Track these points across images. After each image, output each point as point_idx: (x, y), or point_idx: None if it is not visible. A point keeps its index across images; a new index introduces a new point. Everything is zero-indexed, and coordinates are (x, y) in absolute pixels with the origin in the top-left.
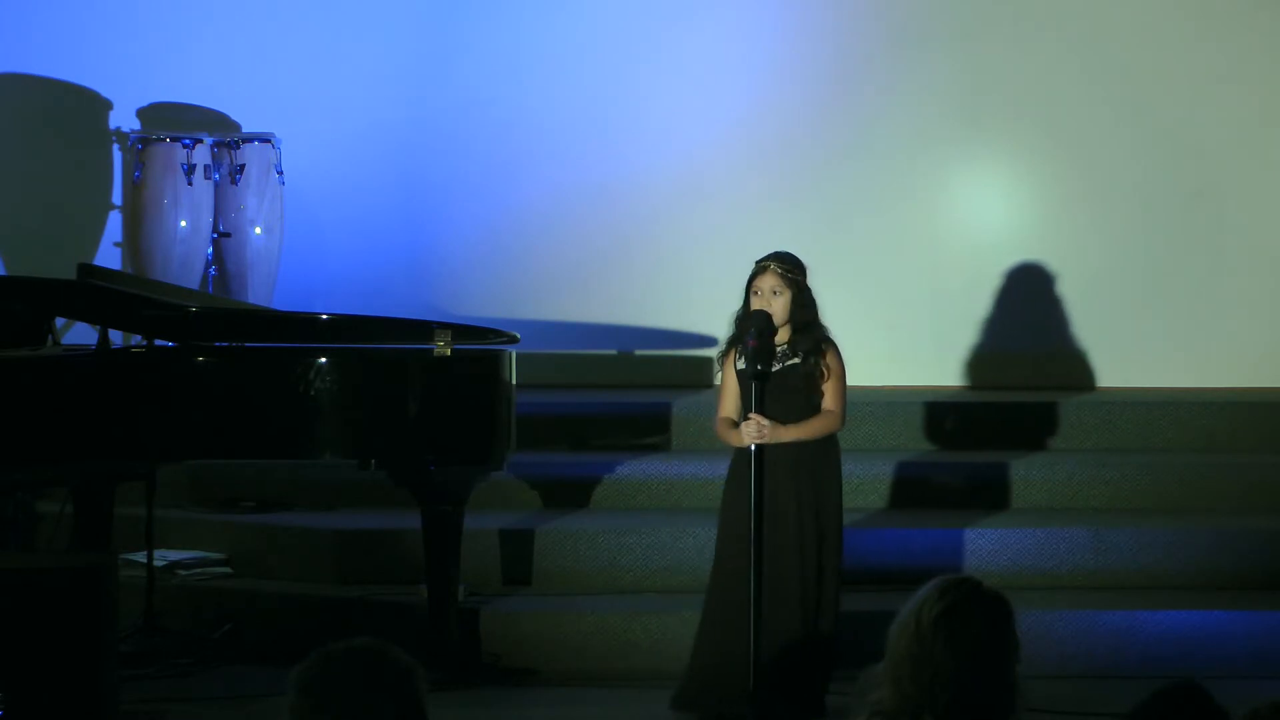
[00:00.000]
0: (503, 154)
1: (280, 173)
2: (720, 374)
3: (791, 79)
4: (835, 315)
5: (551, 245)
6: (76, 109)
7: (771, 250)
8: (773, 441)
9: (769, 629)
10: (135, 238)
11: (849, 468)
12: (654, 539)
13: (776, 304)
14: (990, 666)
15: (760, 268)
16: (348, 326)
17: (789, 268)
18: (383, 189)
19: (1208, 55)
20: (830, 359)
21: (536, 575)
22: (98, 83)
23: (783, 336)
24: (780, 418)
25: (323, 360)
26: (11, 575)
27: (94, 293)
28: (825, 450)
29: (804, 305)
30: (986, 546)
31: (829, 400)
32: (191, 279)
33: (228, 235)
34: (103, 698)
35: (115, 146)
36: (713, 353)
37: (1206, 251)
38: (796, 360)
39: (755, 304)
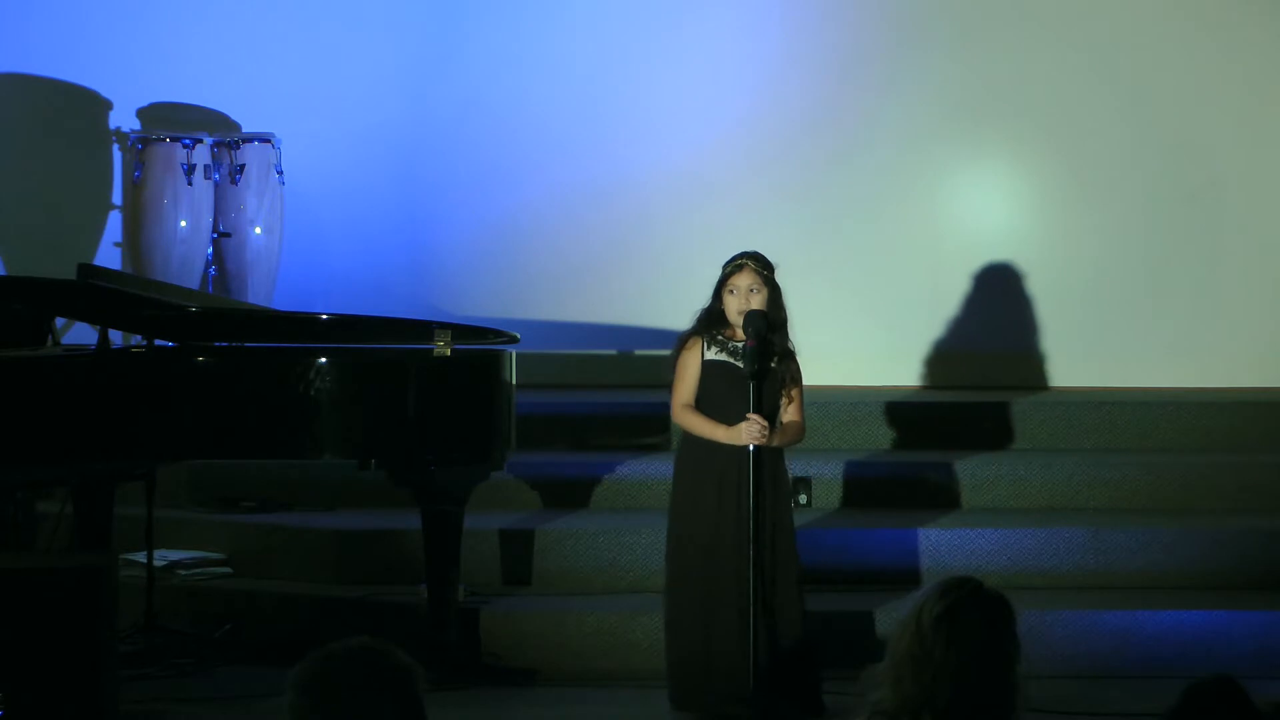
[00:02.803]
0: (503, 154)
1: (280, 173)
2: (679, 361)
3: (792, 78)
4: (835, 315)
5: (551, 245)
6: (76, 109)
7: (743, 250)
8: (764, 445)
9: (725, 629)
10: (135, 238)
11: (848, 467)
12: (654, 539)
13: (755, 302)
14: (991, 667)
15: (737, 266)
16: (347, 326)
17: (764, 266)
18: (383, 189)
19: (1208, 55)
20: (794, 367)
21: (536, 575)
22: (98, 83)
23: None
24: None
25: (323, 360)
26: (11, 575)
27: (94, 293)
28: (778, 451)
29: (779, 305)
30: (986, 546)
31: (795, 411)
32: (191, 279)
33: (228, 235)
34: (103, 698)
35: (115, 146)
36: None
37: (1207, 251)
38: (773, 363)
39: (731, 302)
